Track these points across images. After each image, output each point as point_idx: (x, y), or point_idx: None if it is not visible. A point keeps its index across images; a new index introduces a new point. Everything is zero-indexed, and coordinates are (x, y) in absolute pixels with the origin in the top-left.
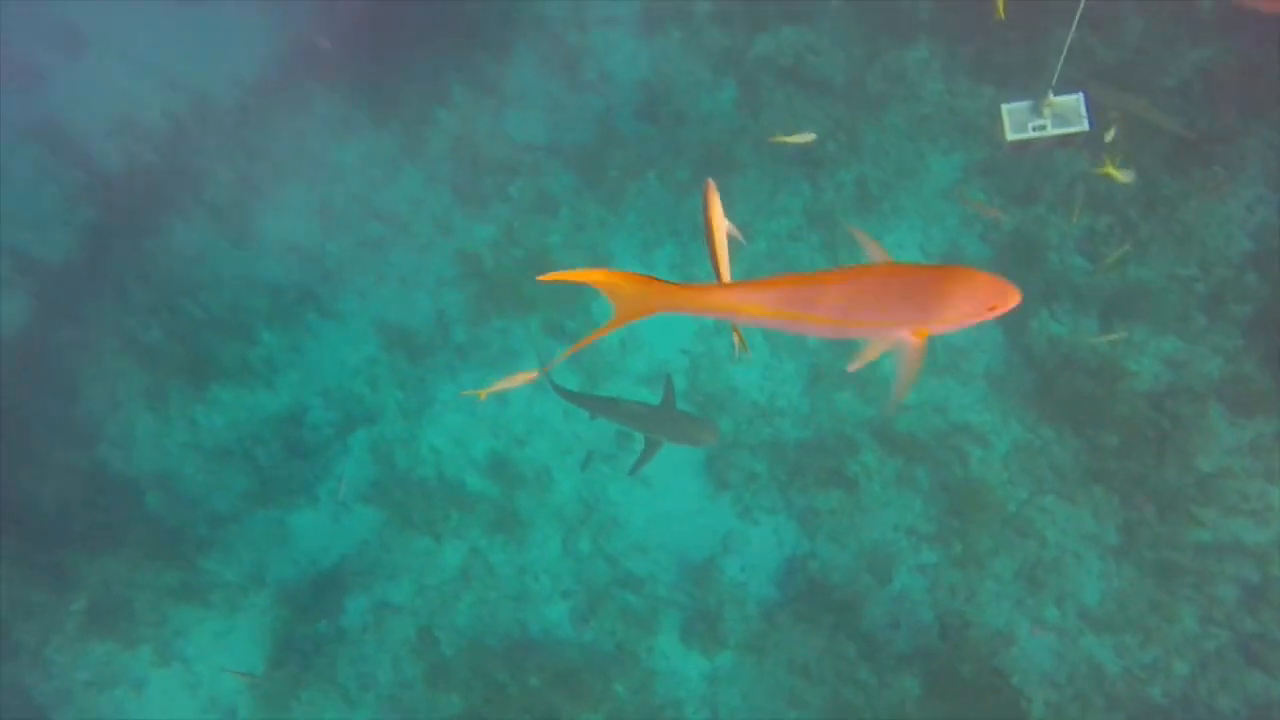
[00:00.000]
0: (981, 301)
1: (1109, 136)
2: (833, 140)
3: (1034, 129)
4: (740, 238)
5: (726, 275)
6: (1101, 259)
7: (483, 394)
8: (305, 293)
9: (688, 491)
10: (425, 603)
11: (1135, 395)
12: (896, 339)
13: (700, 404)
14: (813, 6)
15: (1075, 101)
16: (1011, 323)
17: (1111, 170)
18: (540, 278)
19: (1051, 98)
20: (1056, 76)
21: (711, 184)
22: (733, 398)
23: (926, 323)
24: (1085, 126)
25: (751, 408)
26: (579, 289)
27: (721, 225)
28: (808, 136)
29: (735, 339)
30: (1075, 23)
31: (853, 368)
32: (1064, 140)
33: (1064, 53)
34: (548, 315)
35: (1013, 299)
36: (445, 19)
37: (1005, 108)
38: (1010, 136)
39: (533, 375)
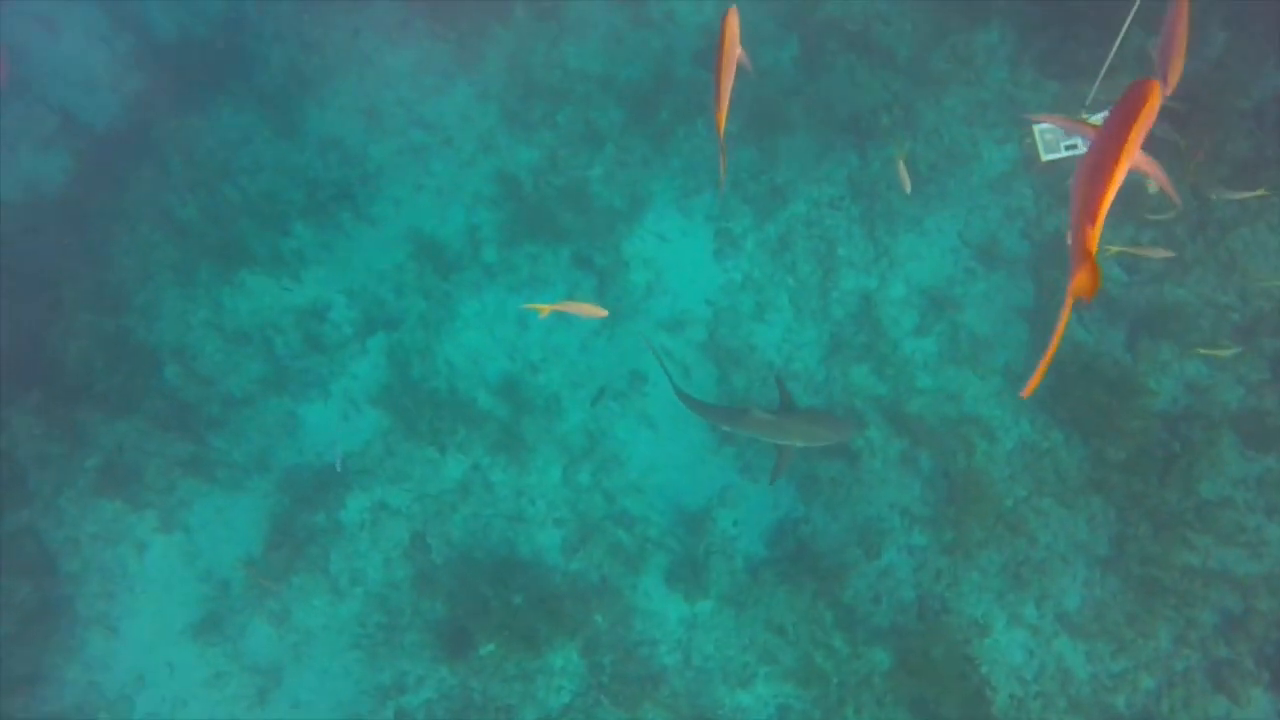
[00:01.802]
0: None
1: (1151, 188)
2: (888, 114)
3: (1066, 149)
4: (748, 67)
5: (725, 99)
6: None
7: (544, 310)
8: (342, 191)
9: (693, 441)
10: (422, 510)
11: (1150, 413)
12: None
13: (717, 355)
14: None
15: (1096, 116)
16: (1040, 322)
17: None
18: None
19: (1085, 117)
20: (1092, 97)
21: (734, 11)
22: (750, 355)
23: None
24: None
25: (767, 367)
26: (612, 222)
27: (734, 52)
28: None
29: None
30: (1118, 41)
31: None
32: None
33: (1102, 72)
34: (579, 247)
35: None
36: None
37: (1037, 128)
38: (1045, 157)
39: (602, 312)
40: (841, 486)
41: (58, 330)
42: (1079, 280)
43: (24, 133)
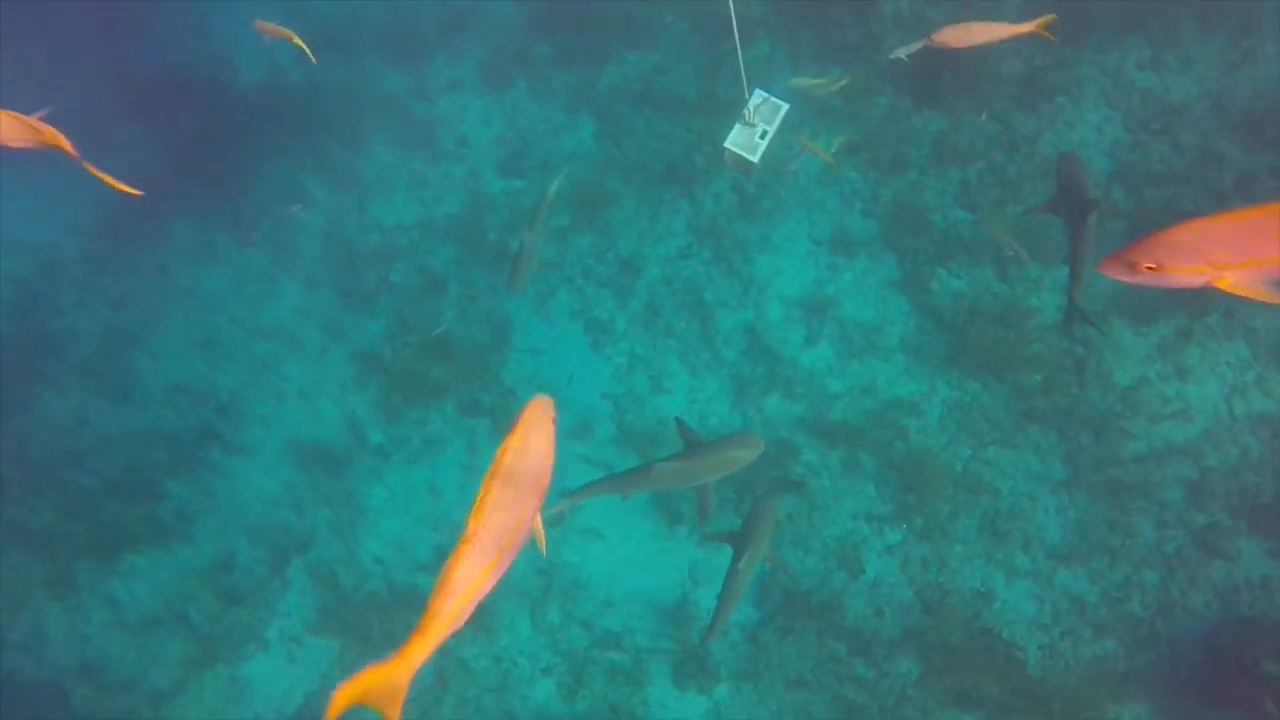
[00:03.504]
0: None
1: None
2: (699, 153)
3: (760, 138)
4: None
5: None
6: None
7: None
8: (204, 433)
9: (642, 534)
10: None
11: (1044, 330)
12: None
13: (633, 442)
14: (650, 28)
15: (762, 99)
16: (914, 287)
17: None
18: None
19: (748, 110)
20: (746, 89)
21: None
22: (664, 429)
23: None
24: (786, 104)
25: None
26: (483, 357)
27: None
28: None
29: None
30: (736, 31)
31: None
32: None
33: (742, 69)
34: (461, 395)
35: None
36: (287, 121)
37: (727, 145)
38: (757, 160)
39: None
40: (800, 519)
41: None
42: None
43: None
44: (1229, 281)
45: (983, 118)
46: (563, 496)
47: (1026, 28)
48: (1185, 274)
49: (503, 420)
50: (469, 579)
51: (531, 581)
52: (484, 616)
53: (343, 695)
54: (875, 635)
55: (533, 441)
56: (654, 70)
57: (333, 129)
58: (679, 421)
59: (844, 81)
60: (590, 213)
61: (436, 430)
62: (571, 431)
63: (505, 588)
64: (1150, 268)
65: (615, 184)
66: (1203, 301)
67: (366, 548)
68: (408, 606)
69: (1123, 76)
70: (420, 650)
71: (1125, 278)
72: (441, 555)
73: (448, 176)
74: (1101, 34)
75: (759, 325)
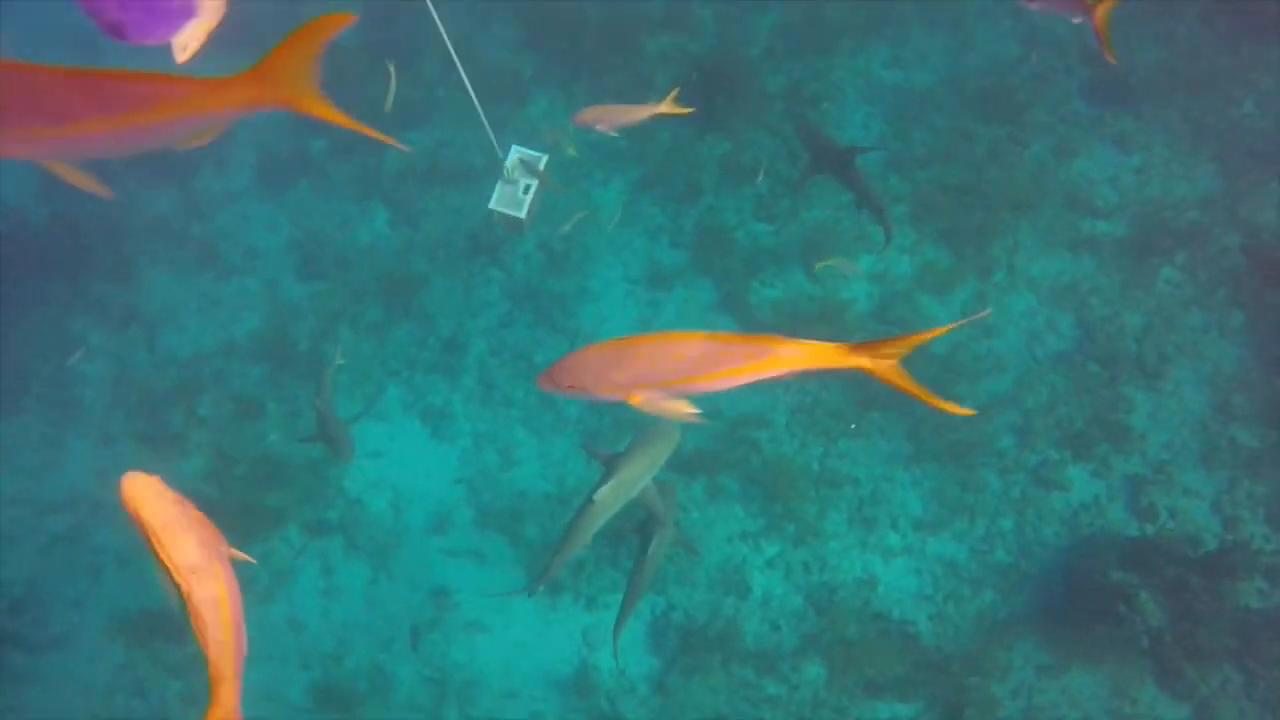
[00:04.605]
0: None
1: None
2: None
3: (525, 193)
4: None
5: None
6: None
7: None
8: None
9: (526, 613)
10: None
11: (862, 318)
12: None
13: (496, 522)
14: (424, 107)
15: (518, 155)
16: (734, 305)
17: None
18: None
19: (507, 168)
20: (499, 149)
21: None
22: (525, 501)
23: None
24: (544, 154)
25: (547, 501)
26: (319, 472)
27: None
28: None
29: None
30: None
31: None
32: (543, 180)
33: (489, 129)
34: (304, 517)
35: None
36: (39, 264)
37: (492, 208)
38: (524, 214)
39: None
40: (679, 556)
41: None
42: None
43: None
44: (639, 399)
45: (759, 180)
46: (541, 582)
47: (665, 106)
48: (601, 391)
49: (353, 529)
50: (218, 619)
51: (423, 694)
52: None
53: None
54: (777, 648)
55: (159, 504)
56: (437, 145)
57: (96, 264)
58: (586, 450)
59: (570, 151)
60: (402, 301)
61: (281, 561)
62: (431, 528)
63: (395, 707)
64: (572, 386)
65: (421, 266)
66: (987, 262)
67: None
68: None
69: (873, 77)
70: (223, 696)
71: (556, 393)
72: (316, 693)
73: (242, 292)
74: (846, 41)
75: None
